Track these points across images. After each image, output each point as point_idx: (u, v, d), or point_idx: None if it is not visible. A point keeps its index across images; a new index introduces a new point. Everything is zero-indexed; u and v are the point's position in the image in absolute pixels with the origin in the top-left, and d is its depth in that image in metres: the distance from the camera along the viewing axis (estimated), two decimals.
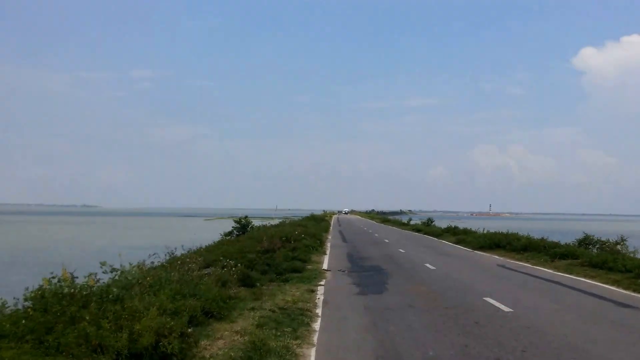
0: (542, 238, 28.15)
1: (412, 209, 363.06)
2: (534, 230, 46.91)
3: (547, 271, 19.87)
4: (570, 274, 18.96)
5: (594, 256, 20.85)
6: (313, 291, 14.89)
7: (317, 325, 10.52)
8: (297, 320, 10.66)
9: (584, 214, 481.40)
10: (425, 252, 29.29)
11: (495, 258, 25.71)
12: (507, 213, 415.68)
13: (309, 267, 21.31)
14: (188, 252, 30.01)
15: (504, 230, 35.82)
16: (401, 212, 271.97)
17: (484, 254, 28.04)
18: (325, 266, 21.81)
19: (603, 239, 27.43)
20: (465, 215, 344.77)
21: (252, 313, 11.06)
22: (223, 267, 17.07)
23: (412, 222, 79.43)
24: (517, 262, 23.38)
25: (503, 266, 22.02)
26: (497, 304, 12.39)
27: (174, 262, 17.84)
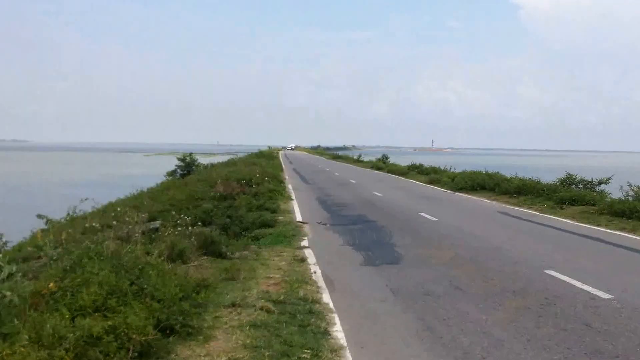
0: (534, 179, 24.95)
1: (355, 144, 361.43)
2: (486, 166, 44.40)
3: (568, 222, 16.50)
4: (598, 225, 15.65)
5: (616, 203, 17.59)
6: (303, 260, 10.94)
7: (339, 333, 6.61)
8: (308, 326, 6.69)
9: (523, 149, 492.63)
10: (406, 196, 25.64)
11: (488, 203, 22.39)
12: (448, 148, 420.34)
13: (280, 218, 17.34)
14: (127, 197, 25.66)
15: (468, 168, 33.10)
16: (345, 148, 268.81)
17: (471, 197, 24.70)
18: (298, 217, 17.90)
19: (586, 178, 24.60)
20: (409, 150, 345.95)
21: (235, 316, 6.98)
22: (176, 224, 13.00)
23: (364, 159, 76.08)
24: (519, 209, 20.07)
25: (507, 214, 18.64)
26: (579, 284, 8.66)
27: (106, 215, 13.68)
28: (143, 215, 13.70)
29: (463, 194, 25.93)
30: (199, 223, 13.62)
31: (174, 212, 17.01)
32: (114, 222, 11.97)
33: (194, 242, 11.08)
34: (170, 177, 40.49)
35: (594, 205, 18.82)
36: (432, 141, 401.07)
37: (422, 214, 18.20)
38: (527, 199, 21.96)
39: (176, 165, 42.54)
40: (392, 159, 65.07)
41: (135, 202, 20.89)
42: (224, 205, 18.54)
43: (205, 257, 10.73)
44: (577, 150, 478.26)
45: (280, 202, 21.56)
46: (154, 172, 47.11)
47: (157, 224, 16.64)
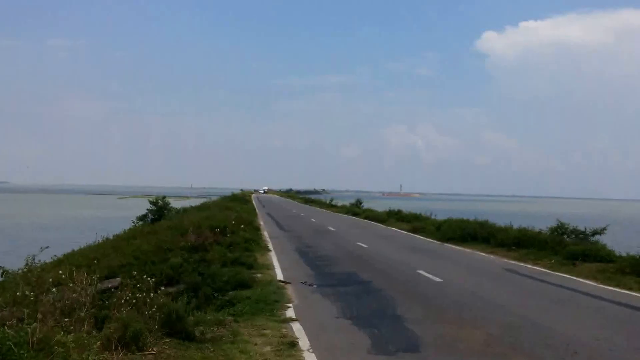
0: (534, 229, 22.92)
1: (325, 188, 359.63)
2: (454, 211, 43.27)
3: (592, 284, 14.22)
4: (631, 289, 13.36)
5: None
6: (293, 344, 8.52)
7: None
8: None
9: (488, 195, 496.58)
10: (393, 247, 23.30)
11: (487, 257, 20.23)
12: (416, 193, 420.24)
13: (259, 275, 14.98)
14: (90, 245, 22.92)
15: (460, 216, 30.90)
16: (316, 192, 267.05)
17: (464, 249, 22.46)
18: (279, 274, 15.51)
19: (579, 227, 22.61)
20: (377, 194, 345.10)
21: None
22: (136, 285, 10.60)
23: (337, 203, 73.75)
24: (525, 265, 17.94)
25: (515, 272, 16.42)
26: None
27: (45, 278, 11.14)
28: (94, 278, 11.22)
29: (454, 246, 23.74)
30: (162, 287, 11.26)
31: (136, 269, 14.64)
32: (54, 290, 9.43)
33: (156, 316, 8.62)
34: (141, 222, 37.76)
35: (610, 262, 16.78)
36: (401, 186, 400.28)
37: (421, 271, 15.89)
38: (529, 253, 19.84)
39: (147, 209, 39.78)
40: (364, 204, 63.23)
41: (96, 253, 18.38)
42: (195, 259, 16.18)
43: (169, 340, 8.23)
44: (541, 196, 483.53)
45: (257, 254, 19.16)
46: (127, 215, 44.58)
47: (116, 281, 14.15)
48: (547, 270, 16.70)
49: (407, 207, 49.49)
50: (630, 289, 13.43)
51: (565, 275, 15.66)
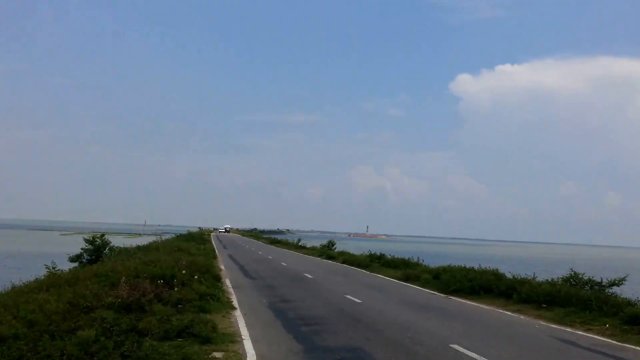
0: (574, 284, 18.72)
1: (289, 228, 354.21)
2: (423, 254, 39.26)
3: None
4: None
5: None
6: None
7: None
8: None
9: (453, 238, 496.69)
10: (393, 303, 18.16)
11: (517, 318, 15.65)
12: (382, 235, 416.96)
13: (219, 356, 9.91)
14: None
15: (457, 263, 26.33)
16: (280, 232, 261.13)
17: (480, 305, 17.83)
18: (250, 351, 10.56)
19: (594, 278, 19.10)
20: (343, 235, 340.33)
21: None
22: None
23: (305, 244, 68.70)
24: (576, 332, 13.44)
25: (572, 344, 11.84)
26: None
27: None
28: None
29: (464, 300, 19.11)
30: None
31: (23, 346, 9.57)
32: None
33: None
34: (75, 263, 32.47)
35: None
36: (367, 227, 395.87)
37: (456, 347, 11.00)
38: (568, 313, 15.44)
39: (82, 249, 34.22)
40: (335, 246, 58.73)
41: None
42: (123, 327, 11.04)
43: None
44: (505, 240, 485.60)
45: (217, 314, 14.09)
46: (66, 252, 39.09)
47: None
48: (613, 342, 12.23)
49: (373, 248, 45.25)
50: None
51: None
